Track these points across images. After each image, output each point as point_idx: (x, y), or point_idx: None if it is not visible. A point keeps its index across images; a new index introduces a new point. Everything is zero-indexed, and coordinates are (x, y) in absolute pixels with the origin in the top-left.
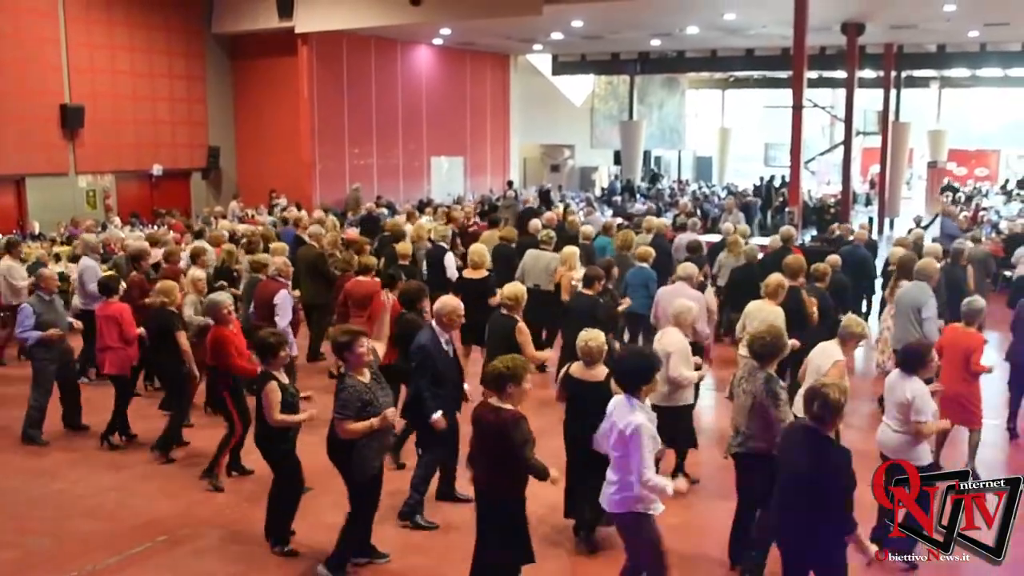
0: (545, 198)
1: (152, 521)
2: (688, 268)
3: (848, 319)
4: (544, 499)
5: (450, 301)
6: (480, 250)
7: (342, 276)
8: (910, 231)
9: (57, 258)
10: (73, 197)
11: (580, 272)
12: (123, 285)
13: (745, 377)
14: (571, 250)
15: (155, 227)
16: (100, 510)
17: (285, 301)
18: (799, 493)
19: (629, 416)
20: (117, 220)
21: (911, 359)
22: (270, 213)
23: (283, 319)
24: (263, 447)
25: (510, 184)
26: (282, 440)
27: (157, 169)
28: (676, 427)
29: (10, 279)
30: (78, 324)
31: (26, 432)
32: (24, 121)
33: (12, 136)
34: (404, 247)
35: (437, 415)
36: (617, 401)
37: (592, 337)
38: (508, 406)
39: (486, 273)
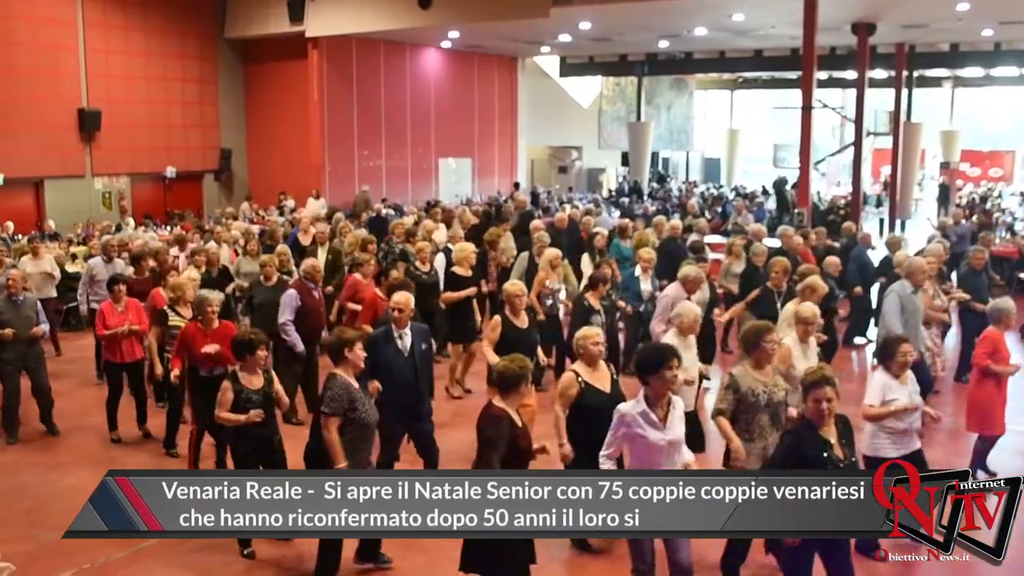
0: (535, 200)
1: None
2: (685, 270)
3: (800, 305)
4: None
5: (400, 295)
6: (465, 247)
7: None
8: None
9: (73, 258)
10: (89, 199)
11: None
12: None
13: None
14: (551, 252)
15: (168, 228)
16: None
17: (288, 300)
18: None
19: (628, 403)
20: (131, 221)
21: (879, 351)
22: (281, 214)
23: (280, 315)
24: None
25: (516, 186)
26: (238, 444)
27: (170, 171)
28: None
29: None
30: (39, 331)
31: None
32: (43, 125)
33: (32, 140)
34: (421, 246)
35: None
36: None
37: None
38: (501, 404)
39: (471, 272)
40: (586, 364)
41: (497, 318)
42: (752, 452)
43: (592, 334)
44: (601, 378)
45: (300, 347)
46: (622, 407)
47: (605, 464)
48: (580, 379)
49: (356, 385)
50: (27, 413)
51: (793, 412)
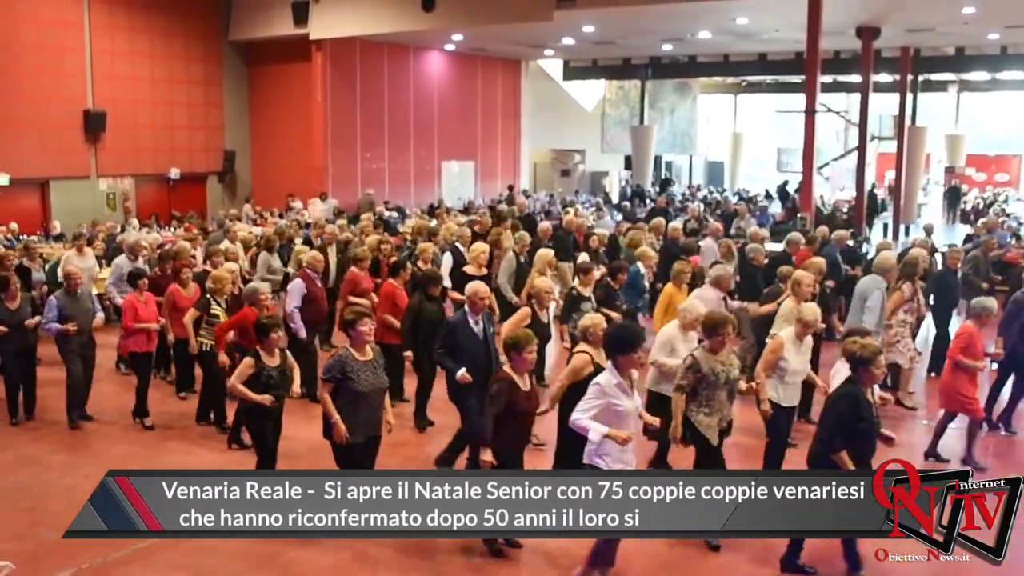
0: None
1: None
2: (715, 272)
3: (805, 306)
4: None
5: (475, 285)
6: (480, 248)
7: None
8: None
9: None
10: (94, 200)
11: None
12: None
13: None
14: (546, 253)
15: (171, 229)
16: None
17: (294, 288)
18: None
19: (603, 375)
20: (135, 222)
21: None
22: (281, 216)
23: (288, 304)
24: (241, 417)
25: (510, 188)
26: (253, 415)
27: (174, 173)
28: (659, 413)
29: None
30: (99, 321)
31: (69, 416)
32: (49, 127)
33: (38, 141)
34: (424, 247)
35: (461, 372)
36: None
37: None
38: (507, 370)
39: (485, 271)
40: (593, 347)
41: (527, 310)
42: (711, 425)
43: (600, 320)
44: (603, 359)
45: (303, 333)
46: (600, 379)
47: (582, 420)
48: (594, 360)
49: (360, 358)
50: (44, 408)
51: (743, 386)
